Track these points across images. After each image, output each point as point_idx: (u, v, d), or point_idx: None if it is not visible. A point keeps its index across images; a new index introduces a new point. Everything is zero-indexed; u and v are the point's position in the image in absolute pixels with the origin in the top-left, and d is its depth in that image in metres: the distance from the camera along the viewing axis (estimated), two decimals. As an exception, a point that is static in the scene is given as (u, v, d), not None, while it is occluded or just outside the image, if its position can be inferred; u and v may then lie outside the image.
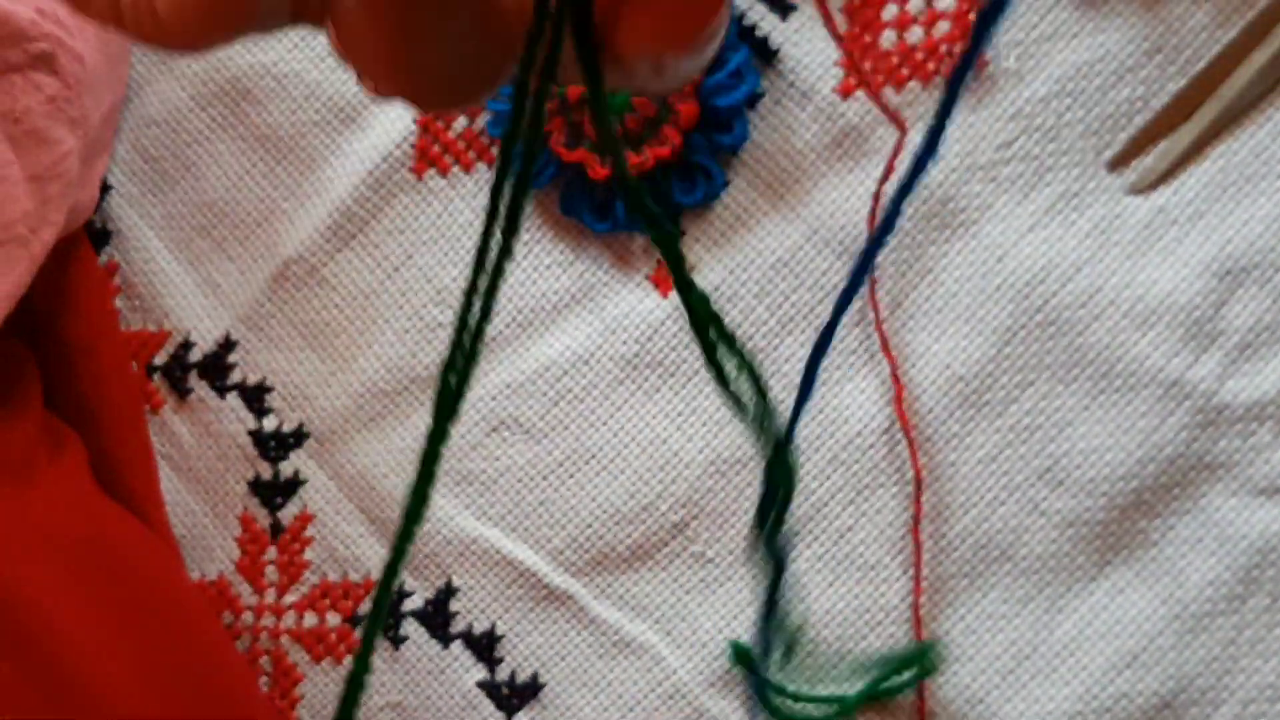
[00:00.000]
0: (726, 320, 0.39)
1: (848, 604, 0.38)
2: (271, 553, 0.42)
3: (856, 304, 0.38)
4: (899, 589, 0.37)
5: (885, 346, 0.37)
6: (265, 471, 0.42)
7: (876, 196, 0.37)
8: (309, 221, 0.41)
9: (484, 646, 0.40)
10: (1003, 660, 0.36)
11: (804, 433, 0.38)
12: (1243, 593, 0.35)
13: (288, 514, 0.42)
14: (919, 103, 0.37)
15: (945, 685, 0.37)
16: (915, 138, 0.37)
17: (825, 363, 0.38)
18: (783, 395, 0.38)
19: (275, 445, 0.42)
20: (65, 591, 0.37)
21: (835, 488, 0.38)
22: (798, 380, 0.38)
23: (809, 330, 0.38)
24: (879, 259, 0.37)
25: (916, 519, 0.37)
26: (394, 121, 0.41)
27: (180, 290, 0.43)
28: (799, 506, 0.38)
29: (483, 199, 0.40)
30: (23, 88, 0.37)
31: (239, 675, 0.41)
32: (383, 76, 0.17)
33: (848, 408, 0.38)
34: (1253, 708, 0.35)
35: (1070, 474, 0.36)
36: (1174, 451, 0.35)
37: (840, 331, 0.38)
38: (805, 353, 0.38)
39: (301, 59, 0.41)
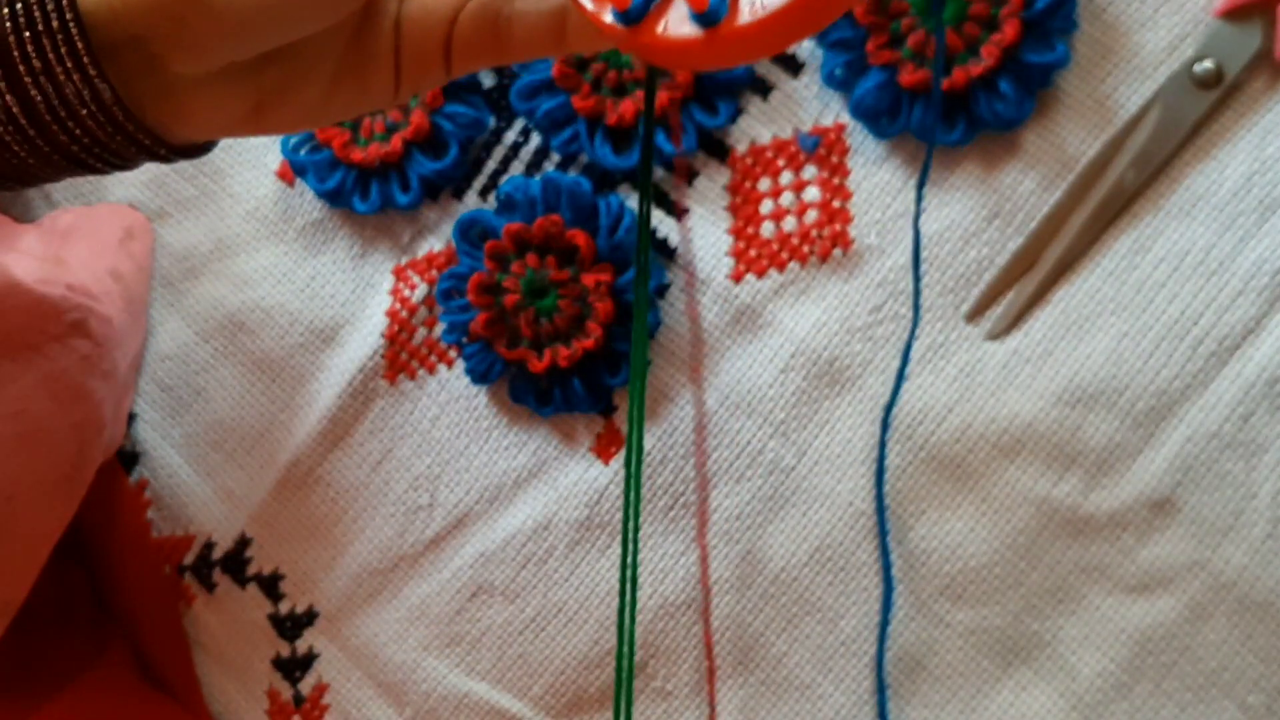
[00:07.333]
0: (659, 480, 0.45)
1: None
2: (295, 721, 0.48)
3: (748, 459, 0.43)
4: (834, 703, 0.42)
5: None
6: (284, 650, 0.48)
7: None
8: (302, 429, 0.48)
9: (483, 789, 0.45)
10: (929, 760, 0.41)
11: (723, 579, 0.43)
12: (1129, 681, 0.39)
13: (307, 685, 0.48)
14: (799, 280, 0.43)
15: (882, 788, 0.41)
16: (786, 313, 0.43)
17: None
18: (715, 542, 0.44)
19: (291, 625, 0.48)
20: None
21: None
22: (726, 528, 0.44)
23: (730, 482, 0.44)
24: (781, 415, 0.43)
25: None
26: (366, 338, 0.48)
27: (200, 499, 0.50)
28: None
29: (446, 395, 0.47)
30: (61, 352, 0.44)
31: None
32: None
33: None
34: (1154, 784, 0.39)
35: (966, 589, 0.41)
36: (1052, 560, 0.40)
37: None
38: (729, 503, 0.44)
39: (284, 292, 0.49)
